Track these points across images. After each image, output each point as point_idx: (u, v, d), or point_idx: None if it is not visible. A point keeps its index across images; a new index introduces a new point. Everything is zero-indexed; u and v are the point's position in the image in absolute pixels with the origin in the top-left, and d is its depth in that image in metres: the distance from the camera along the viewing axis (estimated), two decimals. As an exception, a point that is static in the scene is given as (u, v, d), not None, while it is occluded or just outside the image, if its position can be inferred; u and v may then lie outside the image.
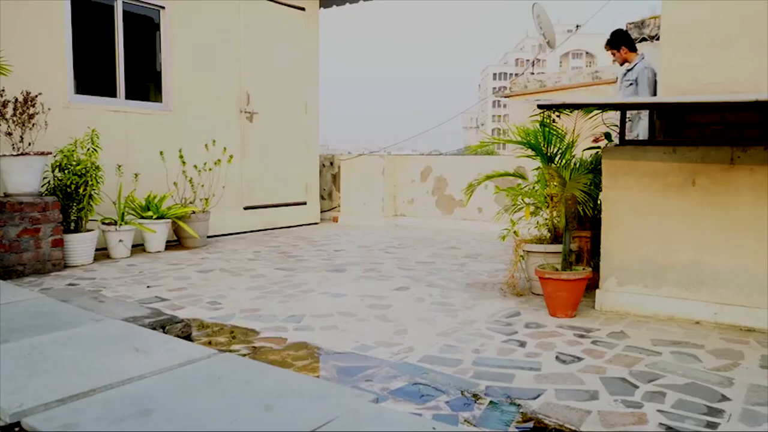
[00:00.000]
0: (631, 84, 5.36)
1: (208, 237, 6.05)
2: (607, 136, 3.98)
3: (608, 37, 5.61)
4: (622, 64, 5.58)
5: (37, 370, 2.02)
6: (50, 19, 5.07)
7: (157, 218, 5.41)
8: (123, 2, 5.64)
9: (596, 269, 3.53)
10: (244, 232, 6.80)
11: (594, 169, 3.80)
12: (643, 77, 5.32)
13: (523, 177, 4.17)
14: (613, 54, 5.55)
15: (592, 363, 2.55)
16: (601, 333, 3.00)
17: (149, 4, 5.85)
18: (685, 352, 2.69)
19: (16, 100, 4.46)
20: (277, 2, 7.17)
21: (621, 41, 5.51)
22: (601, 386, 2.29)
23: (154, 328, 2.72)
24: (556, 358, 2.62)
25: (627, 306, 3.37)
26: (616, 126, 3.64)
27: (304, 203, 7.73)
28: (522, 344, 2.81)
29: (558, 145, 3.78)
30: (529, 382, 2.35)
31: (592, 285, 3.51)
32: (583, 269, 3.37)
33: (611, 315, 3.34)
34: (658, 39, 6.76)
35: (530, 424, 2.00)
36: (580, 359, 2.60)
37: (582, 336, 2.94)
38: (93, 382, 1.92)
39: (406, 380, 2.36)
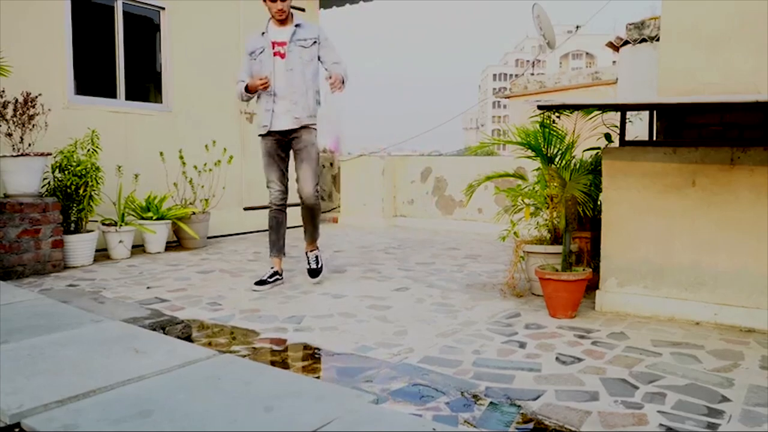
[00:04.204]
0: (314, 43, 4.23)
1: (208, 238, 6.04)
2: (607, 136, 3.98)
3: None
4: (283, 20, 4.13)
5: (36, 371, 2.02)
6: (50, 19, 5.08)
7: (157, 219, 5.41)
8: (123, 3, 5.65)
9: (596, 270, 3.53)
10: (244, 233, 6.80)
11: (594, 169, 3.80)
12: (329, 37, 4.31)
13: (523, 178, 4.17)
14: (283, 2, 4.06)
15: (593, 364, 2.55)
16: (601, 334, 3.00)
17: (149, 4, 5.85)
18: (685, 353, 2.69)
19: (16, 100, 4.46)
20: (277, 3, 7.16)
21: None
22: (602, 387, 2.29)
23: (154, 329, 2.72)
24: (556, 358, 2.62)
25: (627, 307, 3.36)
26: (616, 126, 3.64)
27: (304, 204, 7.72)
28: (522, 345, 2.81)
29: (558, 146, 3.78)
30: (529, 383, 2.35)
31: (592, 286, 3.51)
32: (583, 270, 3.36)
33: (611, 316, 3.34)
34: (658, 40, 6.75)
35: (530, 425, 2.00)
36: (580, 360, 2.60)
37: (582, 337, 2.94)
38: (93, 382, 1.92)
39: (406, 381, 2.36)
